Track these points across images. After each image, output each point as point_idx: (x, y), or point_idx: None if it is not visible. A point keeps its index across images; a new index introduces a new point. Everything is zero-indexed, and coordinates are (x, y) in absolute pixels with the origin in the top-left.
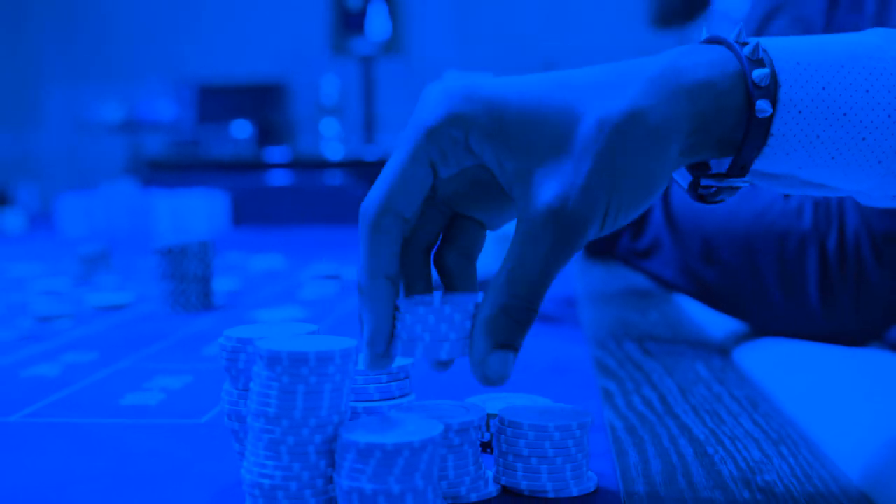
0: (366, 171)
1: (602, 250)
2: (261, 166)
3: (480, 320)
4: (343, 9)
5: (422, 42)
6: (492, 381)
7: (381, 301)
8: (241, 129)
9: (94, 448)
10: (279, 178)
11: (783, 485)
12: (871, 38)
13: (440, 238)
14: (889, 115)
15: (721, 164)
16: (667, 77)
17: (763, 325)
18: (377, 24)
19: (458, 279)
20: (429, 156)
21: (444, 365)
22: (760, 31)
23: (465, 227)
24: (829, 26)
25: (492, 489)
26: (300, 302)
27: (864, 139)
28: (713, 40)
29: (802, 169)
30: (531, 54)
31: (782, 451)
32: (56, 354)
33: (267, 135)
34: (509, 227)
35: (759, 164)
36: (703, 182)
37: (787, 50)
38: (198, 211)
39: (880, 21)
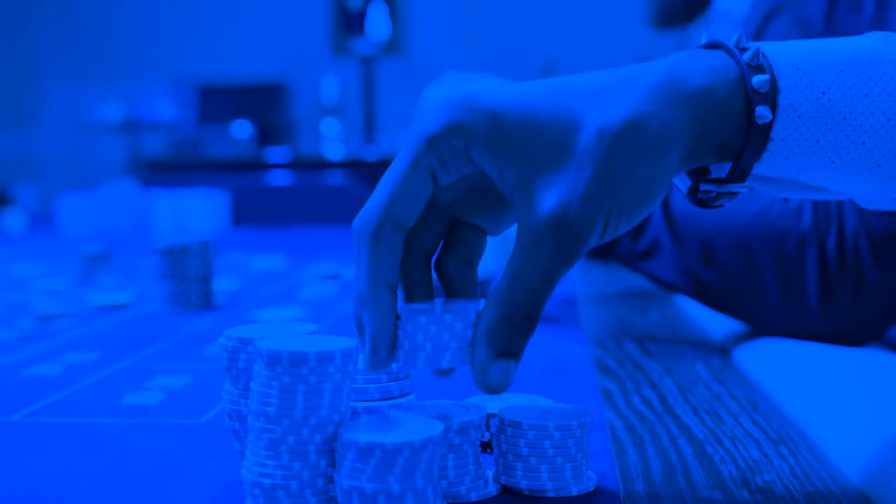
0: (366, 171)
1: (602, 252)
2: (261, 166)
3: (482, 330)
4: (343, 9)
5: (422, 42)
6: (493, 389)
7: (383, 310)
8: (242, 129)
9: (95, 447)
10: (279, 179)
11: (782, 484)
12: (871, 42)
13: (440, 244)
14: (889, 119)
15: (720, 169)
16: (667, 83)
17: (762, 325)
18: (377, 24)
19: (458, 285)
20: (429, 165)
21: (446, 372)
22: (761, 31)
23: (465, 233)
24: (829, 26)
25: (492, 489)
26: (300, 302)
27: (863, 143)
28: (713, 45)
29: (802, 173)
30: (531, 54)
31: (782, 451)
32: (57, 354)
33: (267, 135)
34: (510, 229)
35: (758, 169)
36: (703, 187)
37: (786, 55)
38: (198, 211)
39: (879, 21)
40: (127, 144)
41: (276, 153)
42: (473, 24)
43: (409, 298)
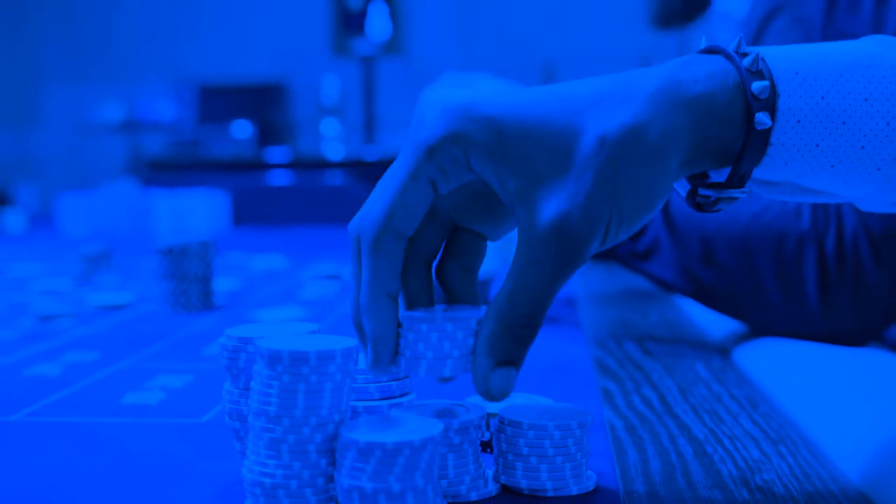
0: (366, 171)
1: (602, 253)
2: (261, 166)
3: (483, 338)
4: (343, 9)
5: (422, 42)
6: (495, 396)
7: (384, 319)
8: (242, 129)
9: (95, 447)
10: (279, 178)
11: (782, 484)
12: (870, 46)
13: (441, 250)
14: (888, 123)
15: (720, 174)
16: (666, 90)
17: (762, 325)
18: (377, 24)
19: (459, 291)
20: (429, 175)
21: (447, 380)
22: (760, 31)
23: (465, 239)
24: (828, 26)
25: (491, 488)
26: (300, 302)
27: (863, 147)
28: (712, 49)
29: (801, 177)
30: (531, 55)
31: (781, 451)
32: (57, 354)
33: (267, 135)
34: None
35: (757, 173)
36: (702, 192)
37: (786, 59)
38: (198, 211)
39: (878, 21)
40: (127, 144)
41: (276, 153)
42: (473, 24)
43: (411, 306)
